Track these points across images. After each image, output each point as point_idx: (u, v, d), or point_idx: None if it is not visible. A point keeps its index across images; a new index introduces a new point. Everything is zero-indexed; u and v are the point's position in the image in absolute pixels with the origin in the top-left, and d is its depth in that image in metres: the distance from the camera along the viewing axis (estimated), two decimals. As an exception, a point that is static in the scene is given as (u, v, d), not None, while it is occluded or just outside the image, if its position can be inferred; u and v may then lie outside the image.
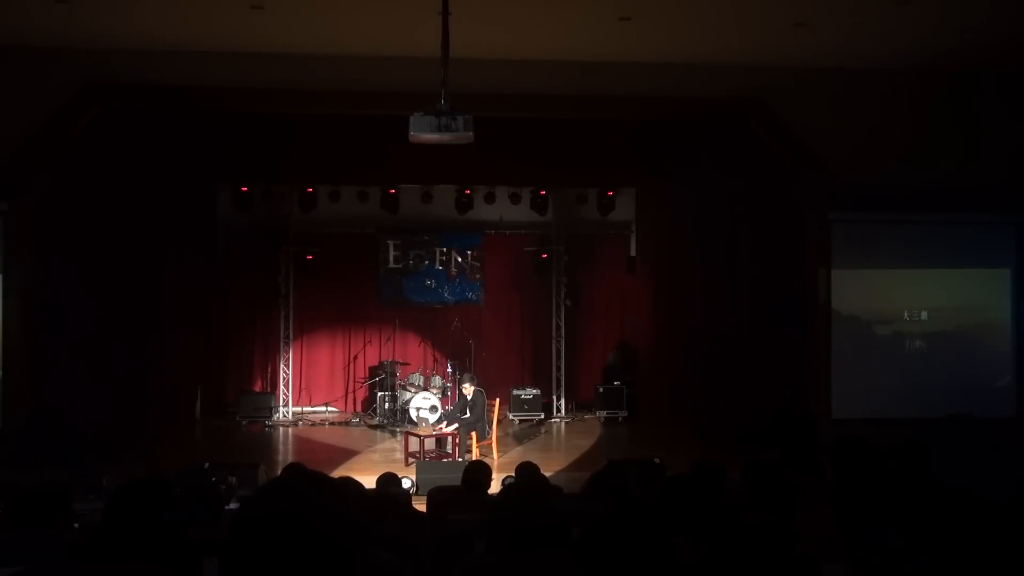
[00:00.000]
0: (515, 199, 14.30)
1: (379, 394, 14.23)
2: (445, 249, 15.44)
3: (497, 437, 11.80)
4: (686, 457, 9.73)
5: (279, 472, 7.63)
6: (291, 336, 15.22)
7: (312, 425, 14.43)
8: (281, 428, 14.26)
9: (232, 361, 15.16)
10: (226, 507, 5.59)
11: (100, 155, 10.82)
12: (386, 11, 8.81)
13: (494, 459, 11.00)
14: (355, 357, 15.51)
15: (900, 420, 10.49)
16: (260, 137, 11.26)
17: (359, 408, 15.27)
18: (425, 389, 13.73)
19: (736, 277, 12.44)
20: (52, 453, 9.46)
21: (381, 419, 13.95)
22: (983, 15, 9.06)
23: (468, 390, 11.75)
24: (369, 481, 6.61)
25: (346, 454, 11.89)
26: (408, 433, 11.69)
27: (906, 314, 11.30)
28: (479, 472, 6.78)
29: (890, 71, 10.82)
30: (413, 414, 13.19)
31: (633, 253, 15.43)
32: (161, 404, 12.86)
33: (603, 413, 14.69)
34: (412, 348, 15.32)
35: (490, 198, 14.29)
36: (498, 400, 12.12)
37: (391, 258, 15.32)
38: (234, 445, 12.83)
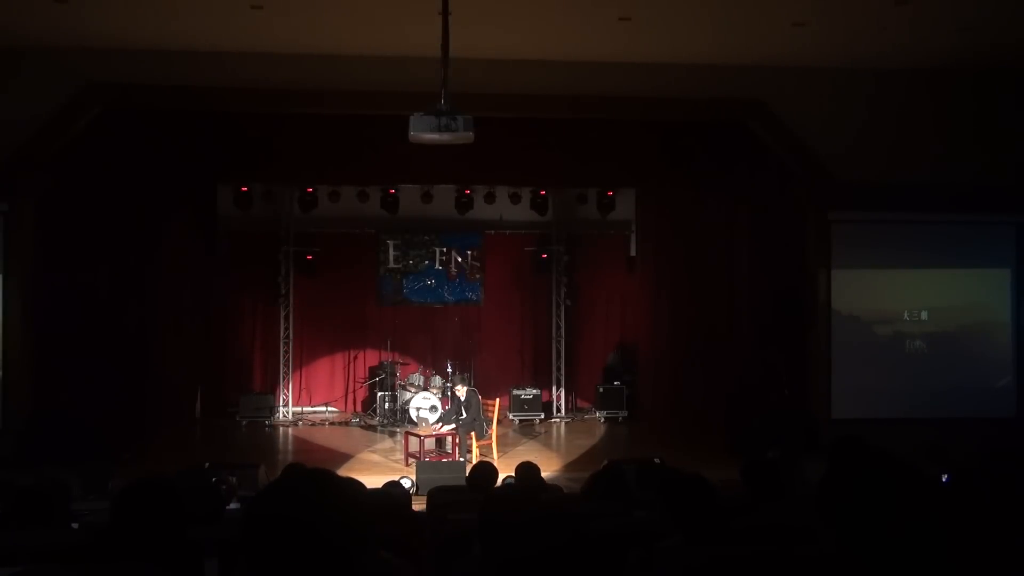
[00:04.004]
0: (515, 199, 14.30)
1: (379, 394, 14.23)
2: (445, 249, 15.45)
3: (497, 437, 11.79)
4: (686, 457, 9.77)
5: (279, 472, 7.63)
6: (291, 336, 15.23)
7: (312, 425, 14.43)
8: (281, 428, 14.27)
9: (232, 361, 15.17)
10: (227, 507, 5.60)
11: (100, 155, 10.80)
12: (386, 11, 8.80)
13: (494, 459, 11.00)
14: (355, 357, 15.51)
15: (900, 420, 10.51)
16: (260, 137, 11.24)
17: (359, 408, 15.27)
18: (425, 389, 13.73)
19: (736, 277, 12.43)
20: (55, 453, 9.44)
21: (381, 419, 13.95)
22: (983, 15, 9.05)
23: (461, 391, 11.78)
24: (369, 482, 6.61)
25: (346, 454, 11.90)
26: (408, 433, 11.69)
27: (906, 314, 11.28)
28: (485, 473, 6.77)
29: (890, 71, 10.81)
30: (413, 414, 13.19)
31: (633, 253, 15.43)
32: (161, 404, 12.85)
33: (603, 413, 14.70)
34: (412, 348, 15.32)
35: (490, 198, 14.29)
36: (498, 400, 12.11)
37: (391, 258, 15.34)
38: (234, 445, 12.83)
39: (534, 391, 14.67)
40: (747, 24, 9.32)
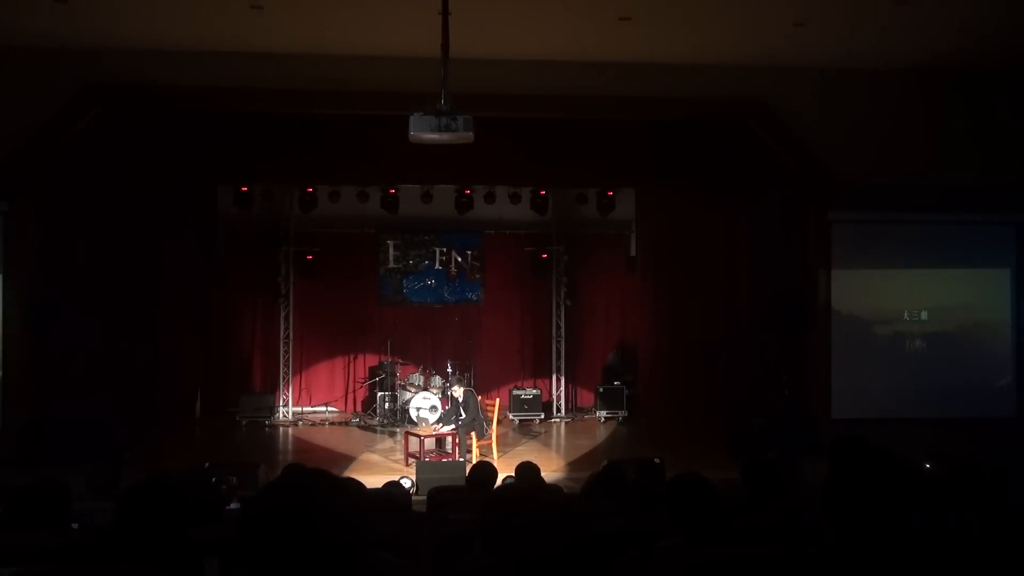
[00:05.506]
0: (515, 199, 14.30)
1: (379, 394, 14.23)
2: (445, 249, 15.45)
3: (497, 437, 11.79)
4: (686, 457, 9.77)
5: (279, 472, 7.63)
6: (291, 336, 15.23)
7: (312, 425, 14.43)
8: (281, 428, 14.27)
9: (232, 361, 15.17)
10: (227, 507, 5.59)
11: (100, 155, 10.80)
12: (386, 11, 8.81)
13: (494, 459, 10.99)
14: (355, 357, 15.51)
15: (900, 420, 10.51)
16: (260, 137, 11.24)
17: (359, 408, 15.27)
18: (425, 389, 13.73)
19: (736, 277, 12.43)
20: (58, 454, 9.44)
21: (381, 419, 13.95)
22: (982, 15, 9.05)
23: (458, 392, 11.78)
24: (369, 482, 6.61)
25: (346, 454, 11.89)
26: (408, 433, 11.69)
27: (906, 314, 11.28)
28: (485, 473, 6.77)
29: (890, 71, 10.82)
30: (413, 414, 13.19)
31: (633, 253, 15.44)
32: (161, 404, 12.85)
33: (603, 413, 14.70)
34: (412, 348, 15.32)
35: (490, 198, 14.29)
36: (498, 400, 12.11)
37: (391, 258, 15.34)
38: (234, 445, 12.83)
39: (534, 391, 14.67)
40: (747, 24, 9.32)
